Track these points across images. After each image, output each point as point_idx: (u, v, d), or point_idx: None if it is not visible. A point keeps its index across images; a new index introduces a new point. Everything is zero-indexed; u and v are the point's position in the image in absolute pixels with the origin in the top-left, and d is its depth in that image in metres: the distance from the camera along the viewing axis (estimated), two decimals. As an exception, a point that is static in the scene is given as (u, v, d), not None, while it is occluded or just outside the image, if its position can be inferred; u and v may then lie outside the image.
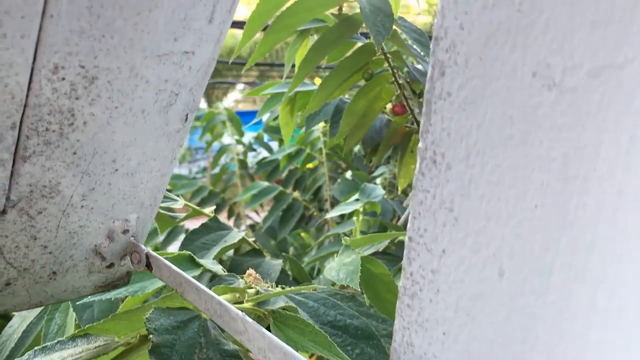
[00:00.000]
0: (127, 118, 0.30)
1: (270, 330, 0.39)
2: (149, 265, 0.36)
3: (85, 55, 0.26)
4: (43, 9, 0.23)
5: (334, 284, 0.59)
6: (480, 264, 0.26)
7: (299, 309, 0.45)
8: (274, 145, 2.38)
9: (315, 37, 1.06)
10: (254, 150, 2.54)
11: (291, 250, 2.32)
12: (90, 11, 0.24)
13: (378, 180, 2.03)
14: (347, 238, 0.61)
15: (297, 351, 0.30)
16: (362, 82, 1.05)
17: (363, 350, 0.44)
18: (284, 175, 2.12)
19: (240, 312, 0.30)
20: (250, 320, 0.29)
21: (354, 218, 1.36)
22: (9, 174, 0.28)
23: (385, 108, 1.16)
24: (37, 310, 0.60)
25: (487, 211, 0.26)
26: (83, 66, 0.26)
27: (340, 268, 0.56)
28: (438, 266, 0.27)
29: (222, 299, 0.31)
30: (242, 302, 0.47)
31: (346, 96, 1.17)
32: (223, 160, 2.42)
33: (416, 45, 0.89)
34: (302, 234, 2.32)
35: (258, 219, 2.55)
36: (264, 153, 2.38)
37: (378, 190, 1.33)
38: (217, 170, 2.28)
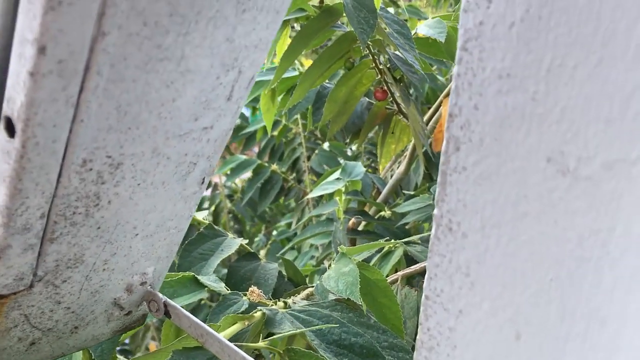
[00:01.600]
0: (149, 191, 0.30)
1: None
2: (167, 313, 0.37)
3: (112, 147, 0.26)
4: (74, 116, 0.24)
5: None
6: (497, 327, 0.28)
7: (307, 331, 0.47)
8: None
9: (296, 26, 1.06)
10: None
11: (267, 214, 2.34)
12: (118, 110, 0.25)
13: (354, 146, 2.04)
14: (343, 247, 0.62)
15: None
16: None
17: (369, 369, 0.46)
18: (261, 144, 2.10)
19: (266, 370, 0.31)
20: (277, 378, 0.30)
21: (337, 198, 1.37)
22: (36, 255, 0.29)
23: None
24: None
25: (503, 279, 0.27)
26: (110, 156, 0.27)
27: (338, 278, 0.58)
28: (455, 325, 0.29)
29: (246, 354, 0.32)
30: (249, 327, 0.48)
31: (327, 81, 1.17)
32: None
33: (398, 35, 0.89)
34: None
35: (233, 185, 2.54)
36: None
37: (359, 168, 1.34)
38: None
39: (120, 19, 0.22)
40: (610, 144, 0.23)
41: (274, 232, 2.23)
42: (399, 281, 0.82)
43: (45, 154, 0.24)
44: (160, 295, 0.37)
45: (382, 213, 1.40)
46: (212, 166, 0.32)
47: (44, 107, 0.22)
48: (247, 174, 1.95)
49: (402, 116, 1.19)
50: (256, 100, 2.05)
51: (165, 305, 0.37)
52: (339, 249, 0.63)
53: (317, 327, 0.46)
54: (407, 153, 1.30)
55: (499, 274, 0.27)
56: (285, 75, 1.11)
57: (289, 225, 2.07)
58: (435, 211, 0.29)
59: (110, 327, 0.38)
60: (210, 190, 2.35)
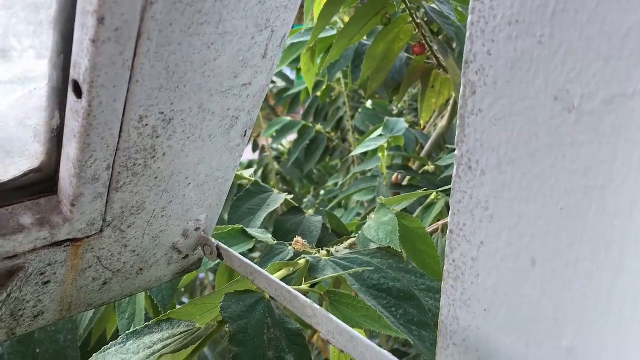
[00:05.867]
0: (197, 144, 0.34)
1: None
2: (220, 256, 0.41)
3: (164, 104, 0.30)
4: (130, 77, 0.27)
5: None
6: (514, 255, 0.30)
7: (347, 276, 0.51)
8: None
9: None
10: (273, 82, 2.55)
11: (315, 176, 2.38)
12: (167, 71, 0.28)
13: (398, 104, 2.04)
14: (382, 197, 0.65)
15: (352, 327, 0.35)
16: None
17: (406, 311, 0.50)
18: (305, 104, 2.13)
19: (308, 300, 0.35)
20: (318, 307, 0.34)
21: (379, 154, 1.39)
22: (105, 202, 0.33)
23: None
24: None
25: (518, 211, 0.30)
26: (162, 112, 0.30)
27: (379, 227, 0.61)
28: (477, 255, 0.32)
29: (292, 288, 0.36)
30: (294, 274, 0.52)
31: (364, 39, 1.19)
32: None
33: (433, -12, 0.89)
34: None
35: (281, 147, 2.58)
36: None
37: (401, 124, 1.35)
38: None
39: None
40: (610, 80, 0.25)
41: (322, 192, 2.27)
42: (439, 230, 0.84)
43: (108, 112, 0.28)
44: (213, 239, 0.42)
45: (426, 167, 1.41)
46: (252, 120, 0.36)
47: (105, 70, 0.26)
48: (293, 136, 1.98)
49: (441, 70, 1.19)
50: (299, 61, 2.07)
51: (218, 248, 0.41)
52: (378, 200, 0.66)
53: (354, 269, 0.49)
54: (449, 106, 1.31)
55: (515, 207, 0.30)
56: (324, 35, 1.13)
57: (337, 185, 2.10)
58: (456, 152, 0.32)
59: (170, 269, 0.43)
60: (258, 153, 2.40)
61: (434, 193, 1.02)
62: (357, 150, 1.35)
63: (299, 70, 2.32)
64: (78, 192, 0.31)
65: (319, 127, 1.97)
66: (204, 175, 0.37)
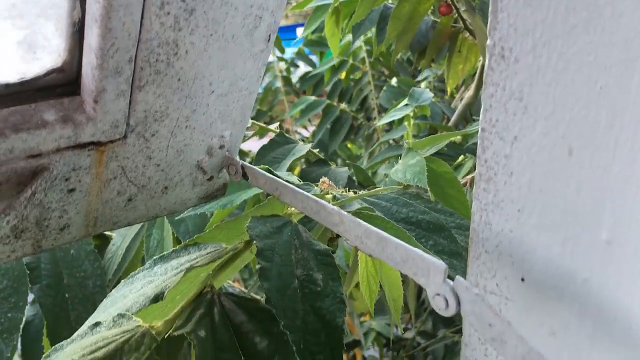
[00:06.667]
0: (220, 43, 0.33)
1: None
2: (244, 175, 0.41)
3: None
4: None
5: (400, 184, 0.63)
6: (550, 146, 0.29)
7: (374, 209, 0.50)
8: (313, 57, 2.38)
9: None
10: (297, 66, 2.55)
11: (339, 162, 2.37)
12: None
13: (423, 84, 2.02)
14: (410, 141, 0.64)
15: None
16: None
17: (436, 242, 0.49)
18: (328, 87, 2.12)
19: (335, 207, 0.34)
20: (345, 213, 0.33)
21: (405, 123, 1.38)
22: (128, 102, 0.32)
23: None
24: (135, 228, 0.67)
25: (555, 97, 0.28)
26: (184, 0, 0.30)
27: (406, 170, 0.60)
28: (510, 151, 0.31)
29: (318, 198, 0.35)
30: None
31: (389, 2, 1.17)
32: (267, 79, 2.43)
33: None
34: (349, 145, 2.35)
35: (306, 133, 2.58)
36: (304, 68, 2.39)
37: (426, 94, 1.33)
38: (261, 89, 2.31)
39: None
40: (654, -63, 0.24)
41: (347, 175, 2.24)
42: (467, 185, 0.83)
43: None
44: (238, 159, 0.41)
45: (452, 138, 1.39)
46: (276, 23, 0.35)
47: None
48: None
49: (468, 34, 1.17)
50: (323, 44, 2.05)
51: (243, 167, 0.41)
52: (405, 144, 0.65)
53: (382, 188, 0.48)
54: (476, 78, 1.28)
55: (551, 92, 0.29)
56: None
57: (361, 168, 2.08)
58: (488, 41, 0.30)
59: (195, 192, 0.42)
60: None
61: (462, 156, 1.01)
62: (383, 120, 1.33)
63: (322, 54, 2.31)
64: (101, 86, 0.30)
65: (343, 105, 1.96)
66: (228, 83, 0.36)
